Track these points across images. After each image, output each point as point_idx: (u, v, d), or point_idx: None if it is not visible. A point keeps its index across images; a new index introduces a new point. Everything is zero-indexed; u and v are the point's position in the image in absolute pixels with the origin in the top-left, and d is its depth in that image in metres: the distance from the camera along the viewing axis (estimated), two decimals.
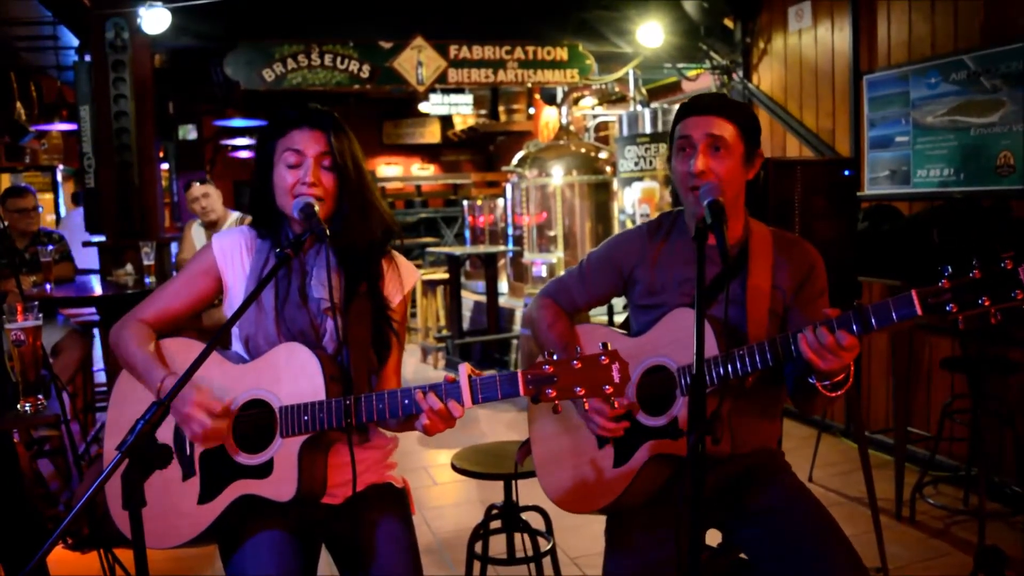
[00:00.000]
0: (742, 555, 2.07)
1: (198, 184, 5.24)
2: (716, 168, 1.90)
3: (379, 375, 1.97)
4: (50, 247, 4.86)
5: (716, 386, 1.81)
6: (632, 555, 1.91)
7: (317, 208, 1.79)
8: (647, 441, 1.91)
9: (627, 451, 1.94)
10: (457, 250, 7.96)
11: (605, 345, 1.60)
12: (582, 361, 1.59)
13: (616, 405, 1.66)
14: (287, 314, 1.89)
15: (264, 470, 1.78)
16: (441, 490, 4.48)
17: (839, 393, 1.80)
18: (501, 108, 11.96)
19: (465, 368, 1.69)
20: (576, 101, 8.81)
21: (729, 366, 1.80)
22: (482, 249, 8.03)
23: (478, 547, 2.74)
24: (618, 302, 2.29)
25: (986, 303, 1.52)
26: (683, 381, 1.90)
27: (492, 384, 1.66)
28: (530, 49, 6.50)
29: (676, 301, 2.00)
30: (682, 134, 1.95)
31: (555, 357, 1.61)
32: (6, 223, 4.89)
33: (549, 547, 2.77)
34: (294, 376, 1.79)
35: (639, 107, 7.46)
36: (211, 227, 5.29)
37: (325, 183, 1.85)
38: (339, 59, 6.08)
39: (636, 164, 6.99)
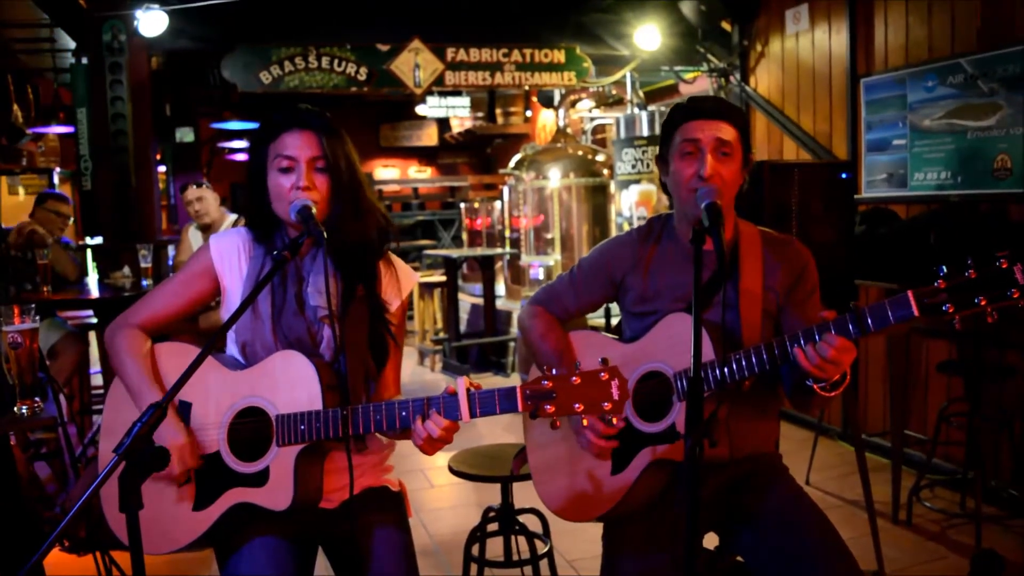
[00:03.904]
0: (739, 558, 2.06)
1: (193, 187, 5.23)
2: (723, 172, 1.91)
3: (377, 381, 1.95)
4: (46, 250, 4.85)
5: (713, 391, 1.81)
6: (630, 560, 1.91)
7: (314, 211, 1.78)
8: (645, 448, 1.90)
9: (625, 458, 1.93)
10: (454, 253, 7.96)
11: (605, 361, 1.59)
12: (581, 377, 1.58)
13: (615, 422, 1.66)
14: (284, 321, 1.87)
15: (260, 478, 1.77)
16: (438, 492, 4.48)
17: (837, 392, 1.80)
18: (498, 111, 11.94)
19: (463, 382, 1.67)
20: (573, 104, 8.81)
21: (726, 371, 1.80)
22: (479, 252, 8.03)
23: (475, 550, 2.74)
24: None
25: (982, 303, 1.53)
26: (680, 386, 1.89)
27: (491, 399, 1.65)
28: (527, 52, 6.50)
29: (669, 307, 1.99)
30: (688, 137, 1.93)
31: (554, 372, 1.59)
32: (35, 225, 4.90)
33: (546, 550, 2.76)
34: (291, 384, 1.78)
35: (636, 110, 7.47)
36: (205, 230, 5.28)
37: (319, 186, 1.83)
38: (336, 62, 6.08)
39: (633, 167, 7.00)
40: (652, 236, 2.11)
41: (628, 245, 2.12)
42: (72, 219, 5.33)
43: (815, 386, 1.77)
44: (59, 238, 5.19)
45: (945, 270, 1.56)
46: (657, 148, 2.08)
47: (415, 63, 6.25)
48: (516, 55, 6.48)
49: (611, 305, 2.22)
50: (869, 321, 1.64)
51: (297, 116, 1.85)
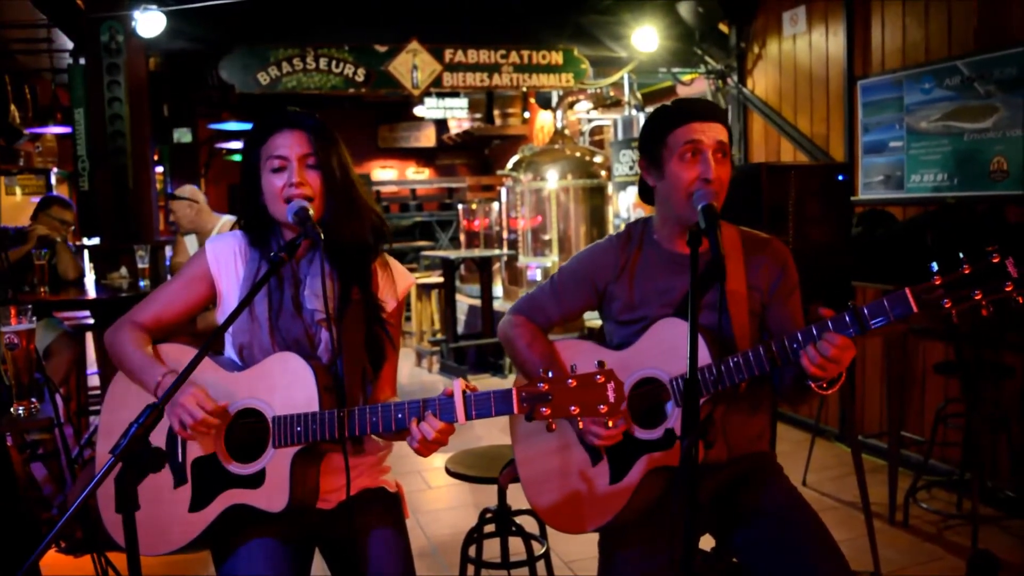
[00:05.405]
0: (734, 560, 2.07)
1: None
2: (722, 175, 1.91)
3: (374, 383, 1.96)
4: (44, 250, 4.84)
5: (712, 395, 1.81)
6: (627, 562, 1.90)
7: (311, 211, 1.79)
8: (643, 455, 1.89)
9: (623, 467, 1.91)
10: (452, 254, 7.96)
11: (601, 363, 1.59)
12: (577, 379, 1.57)
13: (611, 424, 1.65)
14: (281, 324, 1.88)
15: (256, 480, 1.77)
16: (435, 494, 4.48)
17: (834, 390, 1.81)
18: (496, 112, 11.94)
19: (459, 384, 1.67)
20: (571, 105, 8.80)
21: (724, 374, 1.80)
22: (477, 253, 8.03)
23: (472, 551, 2.74)
24: None
25: (978, 296, 1.58)
26: (677, 392, 1.88)
27: (486, 401, 1.65)
28: (525, 53, 6.51)
29: (657, 312, 1.98)
30: (689, 138, 1.91)
31: (550, 374, 1.58)
32: (39, 227, 4.89)
33: (543, 551, 2.77)
34: (288, 386, 1.78)
35: (634, 111, 7.48)
36: (190, 234, 5.22)
37: (311, 182, 1.84)
38: (334, 63, 6.08)
39: (631, 168, 7.01)
40: (633, 242, 2.09)
41: (610, 252, 2.10)
42: (73, 227, 5.32)
43: (812, 385, 1.77)
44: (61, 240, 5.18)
45: (937, 267, 1.60)
46: None
47: (413, 64, 6.25)
48: (514, 56, 6.49)
49: None
50: (869, 319, 1.65)
51: (285, 117, 1.87)
